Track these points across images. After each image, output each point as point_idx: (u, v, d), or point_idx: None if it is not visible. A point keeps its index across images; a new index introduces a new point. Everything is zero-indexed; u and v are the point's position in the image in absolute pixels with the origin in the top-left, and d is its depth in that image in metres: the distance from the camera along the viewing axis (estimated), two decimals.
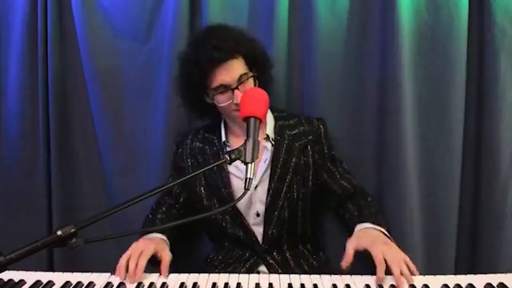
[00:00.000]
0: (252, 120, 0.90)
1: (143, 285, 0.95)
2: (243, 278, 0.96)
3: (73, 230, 0.70)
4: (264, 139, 1.21)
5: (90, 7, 1.41)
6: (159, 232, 1.14)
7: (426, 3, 1.30)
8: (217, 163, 0.85)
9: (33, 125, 1.49)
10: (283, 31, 1.36)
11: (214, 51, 1.10)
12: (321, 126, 1.28)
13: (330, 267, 1.27)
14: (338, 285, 0.94)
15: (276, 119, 1.25)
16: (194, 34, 1.29)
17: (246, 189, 0.82)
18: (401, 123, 1.29)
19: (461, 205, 1.36)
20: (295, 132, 1.24)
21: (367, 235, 1.05)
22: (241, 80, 1.14)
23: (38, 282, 0.95)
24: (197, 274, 0.99)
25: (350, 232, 1.12)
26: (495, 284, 0.92)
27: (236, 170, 1.18)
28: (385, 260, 0.94)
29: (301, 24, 1.37)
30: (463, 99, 1.31)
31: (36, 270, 0.99)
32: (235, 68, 1.13)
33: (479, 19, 1.30)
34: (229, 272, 1.00)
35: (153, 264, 1.03)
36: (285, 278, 0.96)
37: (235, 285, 0.93)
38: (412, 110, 1.31)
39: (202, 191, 1.23)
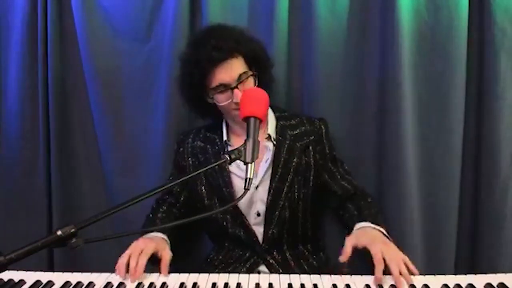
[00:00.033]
0: (252, 120, 0.90)
1: (143, 285, 0.95)
2: (243, 278, 0.96)
3: (73, 230, 0.70)
4: (266, 138, 1.21)
5: (90, 7, 1.41)
6: (159, 232, 1.14)
7: (426, 3, 1.30)
8: (216, 163, 0.85)
9: (33, 125, 1.49)
10: (283, 31, 1.36)
11: (214, 51, 1.10)
12: (322, 127, 1.28)
13: (330, 267, 1.26)
14: (338, 285, 0.94)
15: (277, 119, 1.25)
16: (194, 34, 1.30)
17: (246, 189, 0.82)
18: (401, 123, 1.29)
19: (461, 205, 1.36)
20: (296, 132, 1.24)
21: (366, 234, 1.05)
22: (240, 79, 1.14)
23: (38, 282, 0.95)
24: (197, 274, 0.99)
25: (349, 231, 1.12)
26: (495, 284, 0.92)
27: (237, 169, 1.18)
28: (384, 259, 0.94)
29: (301, 24, 1.37)
30: (463, 99, 1.32)
31: (36, 270, 0.99)
32: (234, 67, 1.13)
33: (479, 19, 1.30)
34: (229, 272, 1.00)
35: (153, 263, 1.03)
36: (285, 278, 0.96)
37: (235, 285, 0.93)
38: (412, 110, 1.31)
39: (203, 190, 1.23)
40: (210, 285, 0.94)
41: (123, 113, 1.46)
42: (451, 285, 0.92)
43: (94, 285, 0.95)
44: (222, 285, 0.93)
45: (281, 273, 1.08)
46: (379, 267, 0.92)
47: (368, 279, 0.95)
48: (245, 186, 0.82)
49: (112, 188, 1.49)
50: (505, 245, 1.30)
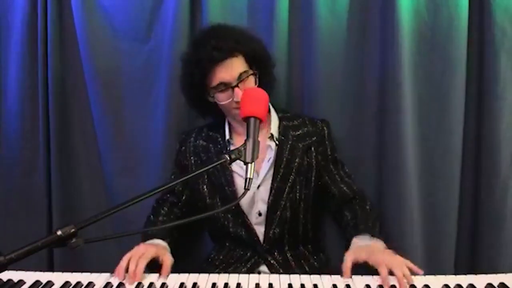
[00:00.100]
0: (252, 120, 0.90)
1: (143, 285, 0.95)
2: (243, 278, 0.96)
3: (73, 230, 0.70)
4: (269, 138, 1.21)
5: (90, 7, 1.41)
6: (160, 238, 1.14)
7: (426, 3, 1.30)
8: (216, 163, 0.85)
9: (33, 125, 1.49)
10: (283, 31, 1.36)
11: (214, 50, 1.10)
12: (325, 128, 1.28)
13: (331, 268, 1.26)
14: (338, 285, 0.94)
15: (280, 119, 1.26)
16: (195, 34, 1.30)
17: (246, 189, 0.83)
18: (401, 123, 1.29)
19: (461, 205, 1.36)
20: (299, 132, 1.24)
21: (364, 249, 1.04)
22: (241, 78, 1.14)
23: (37, 282, 0.95)
24: (197, 274, 0.99)
25: (347, 241, 1.12)
26: (496, 284, 0.92)
27: (239, 169, 1.18)
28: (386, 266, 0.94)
29: (301, 24, 1.37)
30: (463, 99, 1.32)
31: (36, 270, 0.99)
32: (234, 66, 1.13)
33: (479, 19, 1.30)
34: (230, 272, 1.00)
35: (154, 268, 1.03)
36: (285, 278, 0.96)
37: (235, 285, 0.93)
38: (412, 110, 1.31)
39: (205, 189, 1.23)
40: (210, 285, 0.94)
41: (123, 113, 1.46)
42: (451, 285, 0.92)
43: (94, 285, 0.95)
44: (222, 285, 0.93)
45: (282, 273, 1.08)
46: (382, 270, 0.92)
47: (369, 279, 0.96)
48: (245, 186, 0.83)
49: (112, 188, 1.49)
50: (505, 245, 1.30)
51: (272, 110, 1.28)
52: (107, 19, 1.43)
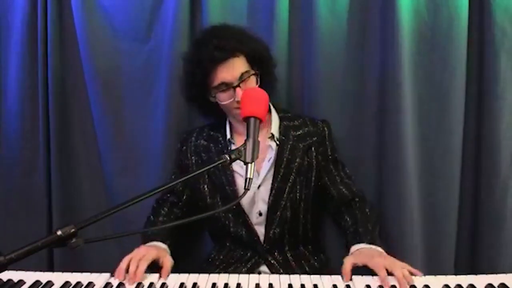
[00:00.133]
0: (252, 120, 0.91)
1: (143, 285, 0.95)
2: (243, 278, 0.96)
3: (73, 230, 0.70)
4: (269, 138, 1.21)
5: (90, 7, 1.41)
6: (161, 241, 1.14)
7: (426, 3, 1.30)
8: (216, 163, 0.85)
9: (33, 125, 1.48)
10: (283, 31, 1.36)
11: (216, 50, 1.11)
12: (325, 128, 1.28)
13: (331, 268, 1.26)
14: (338, 285, 0.94)
15: (281, 119, 1.26)
16: (197, 34, 1.30)
17: (246, 189, 0.83)
18: (401, 123, 1.29)
19: (461, 205, 1.36)
20: (299, 133, 1.24)
21: (363, 253, 1.04)
22: (242, 78, 1.14)
23: (37, 282, 0.95)
24: (197, 274, 0.99)
25: (347, 247, 1.12)
26: (496, 285, 0.92)
27: (240, 168, 1.18)
28: (386, 270, 0.94)
29: (301, 24, 1.37)
30: (463, 99, 1.32)
31: (36, 270, 0.99)
32: (236, 66, 1.14)
33: (479, 19, 1.30)
34: (230, 272, 1.00)
35: (154, 270, 1.02)
36: (285, 279, 0.96)
37: (235, 285, 0.93)
38: (412, 110, 1.31)
39: (206, 188, 1.23)
40: (210, 285, 0.94)
41: (123, 113, 1.46)
42: (452, 285, 0.92)
43: (94, 285, 0.94)
44: (222, 285, 0.93)
45: (282, 273, 1.08)
46: (381, 273, 0.93)
47: (369, 279, 0.95)
48: (245, 186, 0.83)
49: (112, 188, 1.49)
50: (505, 245, 1.30)
51: (273, 110, 1.28)
52: (107, 19, 1.43)
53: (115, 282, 0.95)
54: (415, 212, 1.32)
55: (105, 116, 1.46)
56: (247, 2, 1.39)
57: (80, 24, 1.41)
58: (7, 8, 1.47)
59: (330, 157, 1.27)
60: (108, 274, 0.99)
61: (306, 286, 0.93)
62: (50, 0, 1.41)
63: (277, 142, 1.21)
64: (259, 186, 1.20)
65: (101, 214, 0.74)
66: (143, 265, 0.98)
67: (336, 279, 0.97)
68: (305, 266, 1.22)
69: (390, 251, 1.06)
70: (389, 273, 0.93)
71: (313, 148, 1.24)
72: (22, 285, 0.94)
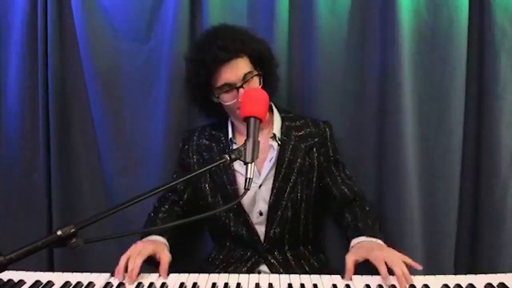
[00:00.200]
0: (252, 120, 0.91)
1: (143, 285, 0.95)
2: (243, 278, 0.96)
3: (73, 230, 0.70)
4: (271, 138, 1.21)
5: (90, 7, 1.41)
6: (159, 235, 1.14)
7: (426, 3, 1.30)
8: (216, 163, 0.86)
9: (33, 125, 1.48)
10: (283, 31, 1.36)
11: (220, 51, 1.11)
12: (327, 129, 1.28)
13: (330, 269, 1.27)
14: (338, 285, 0.94)
15: (283, 119, 1.26)
16: (199, 35, 1.29)
17: (246, 189, 0.83)
18: (401, 123, 1.29)
19: (461, 205, 1.36)
20: (301, 133, 1.24)
21: (363, 247, 1.05)
22: (245, 79, 1.14)
23: (37, 282, 0.95)
24: (197, 274, 0.99)
25: (348, 242, 1.12)
26: (495, 284, 0.92)
27: (241, 167, 1.18)
28: (385, 263, 0.94)
29: (301, 24, 1.38)
30: (463, 99, 1.32)
31: (36, 270, 0.99)
32: (239, 67, 1.14)
33: (479, 19, 1.30)
34: (230, 272, 1.00)
35: (153, 265, 1.03)
36: (285, 278, 0.96)
37: (235, 285, 0.93)
38: (412, 110, 1.31)
39: (207, 188, 1.24)
40: (210, 285, 0.94)
41: (123, 113, 1.46)
42: (451, 285, 0.92)
43: (94, 285, 0.95)
44: (222, 285, 0.93)
45: (282, 273, 1.08)
46: (381, 267, 0.93)
47: (368, 279, 0.96)
48: (245, 186, 0.83)
49: (112, 188, 1.49)
50: (505, 245, 1.30)
51: (275, 110, 1.28)
52: (107, 19, 1.43)
53: (115, 282, 0.96)
54: (415, 212, 1.32)
55: (105, 116, 1.46)
56: (247, 2, 1.39)
57: (80, 24, 1.41)
58: (7, 8, 1.47)
59: (331, 158, 1.27)
60: (108, 274, 0.99)
61: (306, 285, 0.93)
62: (50, 0, 1.41)
63: (279, 142, 1.21)
64: (260, 186, 1.20)
65: (101, 214, 0.75)
66: (139, 261, 0.98)
67: (336, 278, 0.97)
68: (305, 266, 1.22)
69: None
70: (389, 268, 0.94)
71: (314, 149, 1.24)
72: (22, 285, 0.94)
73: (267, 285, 0.93)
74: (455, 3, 1.27)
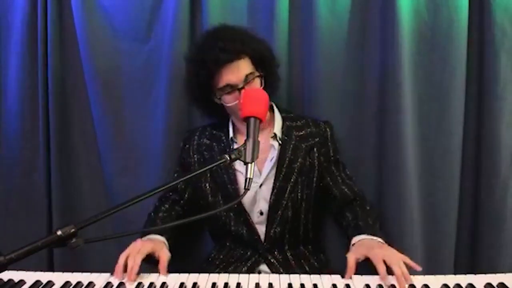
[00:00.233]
0: (252, 120, 0.91)
1: (143, 285, 0.95)
2: (243, 278, 0.96)
3: (73, 230, 0.70)
4: (272, 137, 1.21)
5: (90, 7, 1.41)
6: (159, 234, 1.14)
7: (426, 3, 1.30)
8: (216, 163, 0.86)
9: (33, 125, 1.48)
10: (283, 31, 1.36)
11: (221, 52, 1.11)
12: (327, 129, 1.29)
13: (330, 269, 1.27)
14: (338, 285, 0.94)
15: (284, 119, 1.26)
16: (200, 35, 1.29)
17: (246, 189, 0.83)
18: (401, 123, 1.29)
19: (461, 205, 1.36)
20: (302, 133, 1.25)
21: (363, 245, 1.05)
22: (247, 80, 1.15)
23: (38, 282, 0.95)
24: (197, 274, 0.99)
25: (348, 240, 1.12)
26: (495, 284, 0.92)
27: (242, 167, 1.18)
28: (384, 262, 0.94)
29: (301, 24, 1.38)
30: (463, 99, 1.32)
31: (36, 270, 0.99)
32: (241, 68, 1.14)
33: (479, 19, 1.30)
34: (230, 271, 1.00)
35: (151, 263, 1.03)
36: (285, 278, 0.96)
37: (235, 285, 0.93)
38: (412, 110, 1.31)
39: (207, 187, 1.24)
40: (210, 285, 0.94)
41: (123, 113, 1.46)
42: (451, 285, 0.92)
43: (94, 285, 0.95)
44: (222, 285, 0.93)
45: (282, 273, 1.08)
46: (380, 267, 0.93)
47: (368, 279, 0.96)
48: (245, 186, 0.84)
49: (112, 188, 1.49)
50: (505, 245, 1.30)
51: (276, 110, 1.28)
52: (107, 19, 1.43)
53: (115, 282, 0.96)
54: (415, 212, 1.32)
55: (105, 116, 1.46)
56: (247, 2, 1.39)
57: (80, 24, 1.41)
58: (7, 8, 1.47)
59: (332, 158, 1.27)
60: (108, 274, 0.99)
61: (306, 285, 0.93)
62: (50, 0, 1.41)
63: (280, 142, 1.21)
64: (260, 185, 1.20)
65: (101, 214, 0.75)
66: (138, 259, 0.98)
67: (336, 278, 0.97)
68: (305, 266, 1.22)
69: None
70: (388, 267, 0.94)
71: (315, 149, 1.24)
72: (22, 285, 0.94)
73: (267, 285, 0.93)
74: (455, 3, 1.27)
